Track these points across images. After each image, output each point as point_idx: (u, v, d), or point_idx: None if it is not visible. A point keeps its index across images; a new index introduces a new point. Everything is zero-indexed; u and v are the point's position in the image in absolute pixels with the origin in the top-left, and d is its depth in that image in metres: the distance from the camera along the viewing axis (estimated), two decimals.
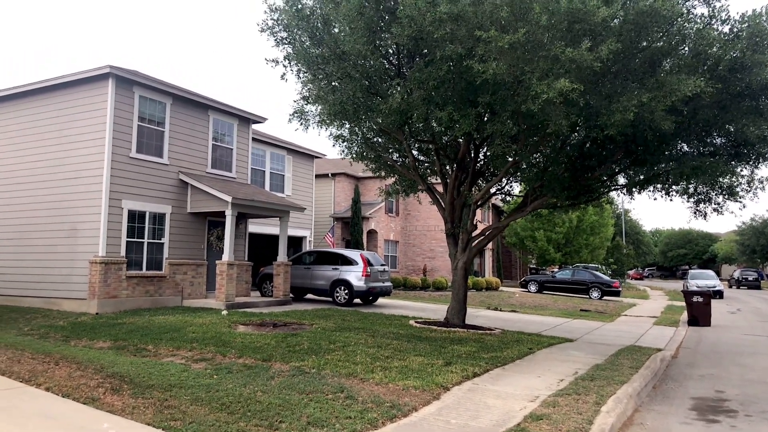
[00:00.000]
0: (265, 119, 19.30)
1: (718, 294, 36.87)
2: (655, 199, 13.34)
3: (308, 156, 25.11)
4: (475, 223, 13.27)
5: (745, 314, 24.05)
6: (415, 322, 14.11)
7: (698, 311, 18.98)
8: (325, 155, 26.22)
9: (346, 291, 17.95)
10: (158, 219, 15.91)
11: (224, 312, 14.33)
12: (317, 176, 27.99)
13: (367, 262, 18.07)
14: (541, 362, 9.96)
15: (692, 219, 12.60)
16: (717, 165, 10.32)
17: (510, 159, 13.07)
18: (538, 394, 7.55)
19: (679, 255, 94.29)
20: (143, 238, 15.46)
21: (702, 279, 39.25)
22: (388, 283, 19.30)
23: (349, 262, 18.27)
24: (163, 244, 15.99)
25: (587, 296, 30.11)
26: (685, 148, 11.59)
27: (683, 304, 29.66)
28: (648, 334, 15.48)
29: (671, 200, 13.25)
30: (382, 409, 6.70)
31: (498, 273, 40.95)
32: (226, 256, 15.85)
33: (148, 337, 10.67)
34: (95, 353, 9.22)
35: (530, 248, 40.30)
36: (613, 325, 17.69)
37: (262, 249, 23.52)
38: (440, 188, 14.64)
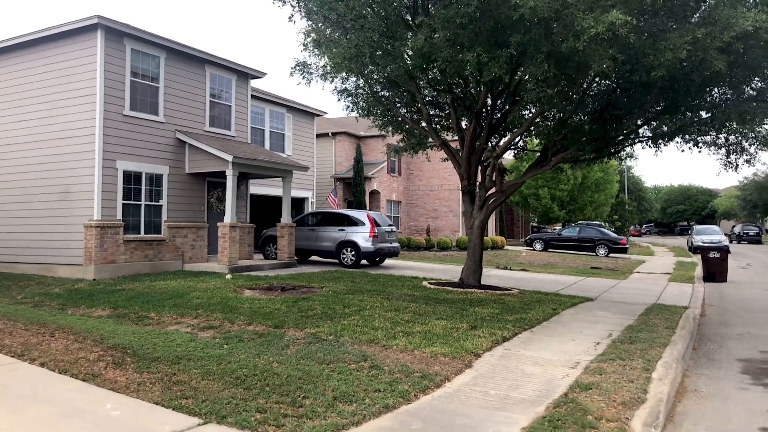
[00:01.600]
0: (264, 74, 18.29)
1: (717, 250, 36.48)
2: (682, 151, 12.60)
3: (309, 114, 24.14)
4: (494, 179, 12.51)
5: (756, 269, 23.60)
6: (429, 283, 13.52)
7: (714, 267, 18.47)
8: (326, 113, 25.25)
9: (353, 252, 17.31)
10: (155, 180, 15.11)
11: (228, 276, 13.70)
12: (317, 136, 27.03)
13: (374, 223, 17.39)
14: (570, 324, 9.39)
15: (721, 171, 11.83)
16: (766, 111, 9.52)
17: (533, 111, 12.26)
18: (578, 360, 6.96)
19: (678, 211, 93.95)
20: (140, 201, 14.68)
21: (707, 234, 38.81)
22: (396, 244, 18.67)
23: (355, 222, 17.59)
24: (161, 206, 15.23)
25: (594, 254, 29.63)
26: (728, 92, 10.73)
27: (692, 260, 29.32)
28: (667, 292, 14.96)
29: (699, 152, 12.51)
30: (412, 379, 6.10)
31: (501, 232, 40.40)
32: (228, 218, 15.13)
33: (150, 304, 10.04)
34: (94, 322, 8.59)
35: (534, 206, 39.67)
36: (629, 283, 17.17)
37: (263, 211, 22.80)
38: (454, 144, 13.83)
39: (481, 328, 8.45)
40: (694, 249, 37.42)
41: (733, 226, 62.21)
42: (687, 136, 12.29)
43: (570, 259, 26.32)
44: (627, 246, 30.06)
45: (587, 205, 39.54)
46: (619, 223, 43.34)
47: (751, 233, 55.34)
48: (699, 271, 21.47)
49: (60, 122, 14.28)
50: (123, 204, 14.19)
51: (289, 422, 4.82)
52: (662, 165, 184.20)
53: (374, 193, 30.44)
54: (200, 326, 8.52)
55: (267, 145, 21.29)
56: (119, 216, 14.06)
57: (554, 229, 45.65)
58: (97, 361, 6.47)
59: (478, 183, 13.35)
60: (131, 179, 14.45)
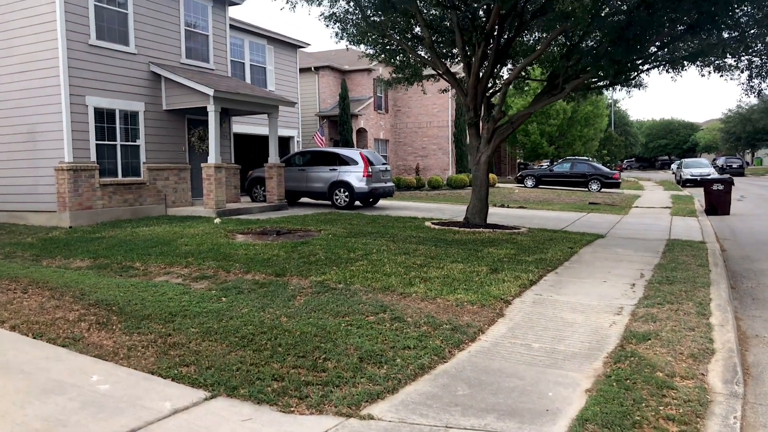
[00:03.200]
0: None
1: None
2: (702, 75, 11.73)
3: (291, 46, 22.59)
4: (503, 108, 11.52)
5: (753, 201, 23.26)
6: (432, 223, 12.74)
7: (717, 200, 17.97)
8: (309, 44, 23.69)
9: (347, 193, 16.39)
10: (130, 118, 13.85)
11: (217, 220, 12.75)
12: (300, 71, 25.52)
13: (368, 162, 16.40)
14: (594, 263, 8.72)
15: (742, 96, 11.00)
16: None
17: (541, 36, 11.16)
18: (620, 305, 6.28)
19: (660, 146, 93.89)
20: (115, 141, 13.47)
21: (696, 167, 38.58)
22: (391, 184, 17.77)
23: (347, 162, 16.58)
24: (138, 146, 14.03)
25: (586, 189, 29.10)
26: (755, 11, 9.78)
27: (686, 193, 29.01)
28: (675, 226, 14.41)
29: (721, 76, 11.66)
30: (443, 333, 5.36)
31: (489, 169, 39.66)
32: (212, 159, 14.03)
33: (134, 253, 9.12)
34: (72, 275, 7.67)
35: (522, 143, 38.82)
36: (632, 218, 16.61)
37: (247, 151, 21.63)
38: (452, 75, 12.69)
39: (502, 271, 7.72)
40: (683, 182, 37.23)
41: (714, 159, 62.24)
42: (708, 59, 11.40)
43: (564, 195, 25.75)
44: (620, 180, 29.60)
45: (576, 140, 38.75)
46: (608, 158, 42.81)
47: (734, 165, 55.39)
48: (698, 204, 21.06)
49: (19, 54, 12.81)
50: (96, 144, 12.98)
51: (314, 392, 4.06)
52: (644, 99, 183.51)
53: (361, 132, 29.23)
54: (192, 276, 7.67)
55: (248, 80, 19.89)
56: (93, 158, 12.88)
57: (540, 166, 44.99)
58: (78, 321, 5.61)
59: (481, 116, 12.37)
60: (104, 117, 13.17)
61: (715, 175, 37.23)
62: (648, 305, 6.12)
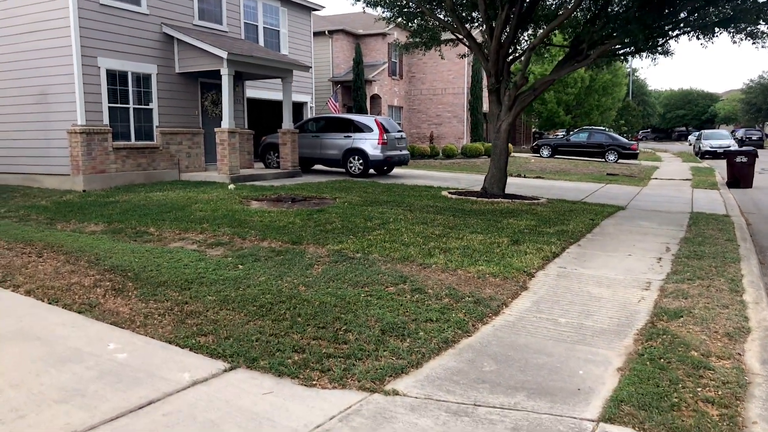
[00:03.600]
0: None
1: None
2: (734, 42, 11.20)
3: (305, 8, 22.03)
4: (525, 74, 11.13)
5: None
6: (449, 193, 12.51)
7: (740, 172, 17.55)
8: (323, 7, 23.12)
9: (361, 161, 16.15)
10: (143, 81, 13.61)
11: (231, 186, 12.60)
12: (313, 35, 24.99)
13: (383, 129, 16.09)
14: (617, 236, 8.49)
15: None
16: None
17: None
18: (648, 280, 6.08)
19: (678, 116, 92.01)
20: (128, 104, 13.27)
21: (716, 139, 37.79)
22: (406, 152, 17.48)
23: (362, 128, 16.28)
24: (151, 110, 13.82)
25: (603, 160, 28.60)
26: None
27: (705, 165, 28.45)
28: (697, 199, 14.09)
29: (754, 43, 11.15)
30: (465, 305, 5.21)
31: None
32: (225, 123, 13.80)
33: (148, 218, 9.01)
34: (87, 239, 7.58)
35: (538, 111, 38.11)
36: (652, 190, 16.27)
37: (260, 117, 21.35)
38: (473, 39, 12.26)
39: (524, 243, 7.53)
40: (702, 154, 36.53)
41: (733, 131, 60.97)
42: (741, 25, 10.92)
43: (582, 165, 25.32)
44: (638, 151, 29.04)
45: (594, 110, 38.02)
46: (625, 128, 42.03)
47: (753, 137, 54.19)
48: (719, 176, 20.62)
49: (30, 13, 12.54)
50: (109, 107, 12.79)
51: (336, 365, 3.93)
52: (663, 69, 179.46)
53: (375, 98, 28.77)
54: (208, 243, 7.55)
55: (261, 43, 19.45)
56: (106, 121, 12.71)
57: (556, 135, 44.29)
58: (94, 287, 5.52)
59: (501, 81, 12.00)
60: (116, 79, 12.95)
61: (735, 147, 36.55)
62: (677, 281, 5.92)
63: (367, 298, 5.32)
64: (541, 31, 12.41)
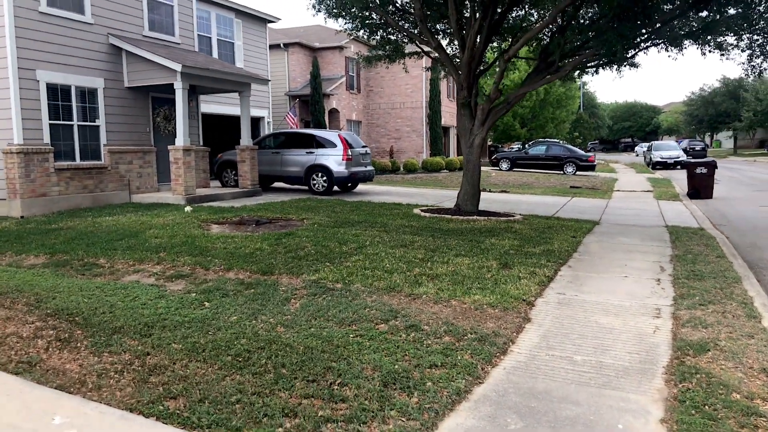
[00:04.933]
0: None
1: (680, 165, 36.66)
2: (703, 54, 11.19)
3: (260, 20, 21.34)
4: (499, 87, 10.75)
5: (728, 184, 23.27)
6: (421, 210, 12.00)
7: (700, 183, 17.76)
8: (279, 19, 22.46)
9: (325, 178, 15.49)
10: (89, 96, 12.61)
11: (188, 208, 11.73)
12: (269, 48, 24.26)
13: (347, 144, 15.50)
14: (605, 255, 8.13)
15: (744, 75, 10.59)
16: None
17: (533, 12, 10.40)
18: (656, 305, 5.66)
19: (624, 128, 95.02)
20: (72, 120, 12.24)
21: (666, 150, 38.88)
22: (371, 168, 16.93)
23: (325, 144, 15.65)
24: (98, 127, 12.82)
25: (561, 172, 28.82)
26: None
27: (661, 176, 29.01)
28: (665, 211, 14.06)
29: (722, 55, 11.16)
30: (469, 345, 4.64)
31: (460, 152, 39.14)
32: (180, 140, 12.93)
33: (97, 247, 8.11)
34: (25, 275, 6.66)
35: (495, 125, 38.29)
36: (619, 203, 16.23)
37: (214, 133, 20.43)
38: (443, 51, 11.85)
39: (514, 267, 7.05)
40: (653, 165, 37.45)
41: (678, 142, 63.21)
42: (710, 37, 10.91)
43: (543, 178, 25.35)
44: (595, 163, 29.43)
45: (548, 122, 38.53)
46: (579, 140, 42.80)
47: (697, 148, 56.25)
48: (678, 188, 20.91)
49: None
50: (50, 125, 11.75)
51: None
52: (607, 82, 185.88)
53: (333, 112, 28.17)
54: (167, 275, 6.75)
55: (215, 56, 18.63)
56: (47, 139, 11.66)
57: (510, 148, 44.70)
58: (34, 338, 4.68)
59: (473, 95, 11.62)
60: (58, 94, 11.93)
61: (683, 157, 37.63)
62: (689, 306, 5.52)
63: (358, 339, 4.69)
64: (511, 41, 12.10)
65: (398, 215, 11.33)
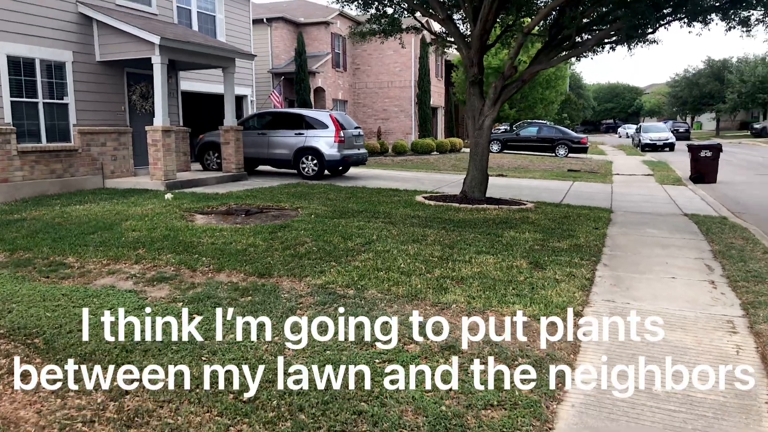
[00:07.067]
0: None
1: (669, 147, 36.28)
2: (729, 28, 10.41)
3: None
4: (514, 63, 9.83)
5: (726, 167, 22.62)
6: (423, 198, 11.11)
7: (705, 167, 17.15)
8: None
9: (315, 161, 14.48)
10: (56, 70, 11.40)
11: (168, 195, 10.68)
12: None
13: (339, 126, 14.48)
14: (638, 250, 7.34)
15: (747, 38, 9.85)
16: None
17: None
18: (725, 316, 4.88)
19: (607, 109, 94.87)
20: (36, 98, 11.05)
21: (655, 132, 38.44)
22: (364, 150, 15.94)
23: (315, 125, 14.60)
24: (66, 105, 11.63)
25: (553, 154, 28.12)
26: None
27: (655, 159, 28.46)
28: (675, 198, 13.37)
29: (746, 30, 10.41)
30: (524, 373, 3.78)
31: (450, 133, 38.29)
32: (159, 120, 11.81)
33: (65, 242, 7.08)
34: None
35: None
36: (623, 188, 15.52)
37: (195, 112, 19.18)
38: (453, 23, 10.88)
39: (547, 266, 6.22)
40: (642, 146, 37.01)
41: (663, 123, 63.06)
42: (736, 11, 10.16)
43: (537, 160, 24.61)
44: (587, 145, 28.75)
45: (537, 103, 37.71)
46: (568, 122, 42.18)
47: (680, 130, 56.15)
48: (678, 171, 20.33)
49: None
50: (12, 102, 10.56)
51: None
52: (592, 63, 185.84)
53: (319, 91, 26.99)
54: (147, 278, 5.79)
55: (195, 29, 17.35)
56: (8, 119, 10.48)
57: (497, 129, 43.89)
58: None
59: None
60: (21, 68, 10.72)
61: (673, 139, 37.24)
62: (766, 319, 4.74)
63: (387, 367, 3.81)
64: (520, 14, 11.16)
65: (400, 203, 10.43)
